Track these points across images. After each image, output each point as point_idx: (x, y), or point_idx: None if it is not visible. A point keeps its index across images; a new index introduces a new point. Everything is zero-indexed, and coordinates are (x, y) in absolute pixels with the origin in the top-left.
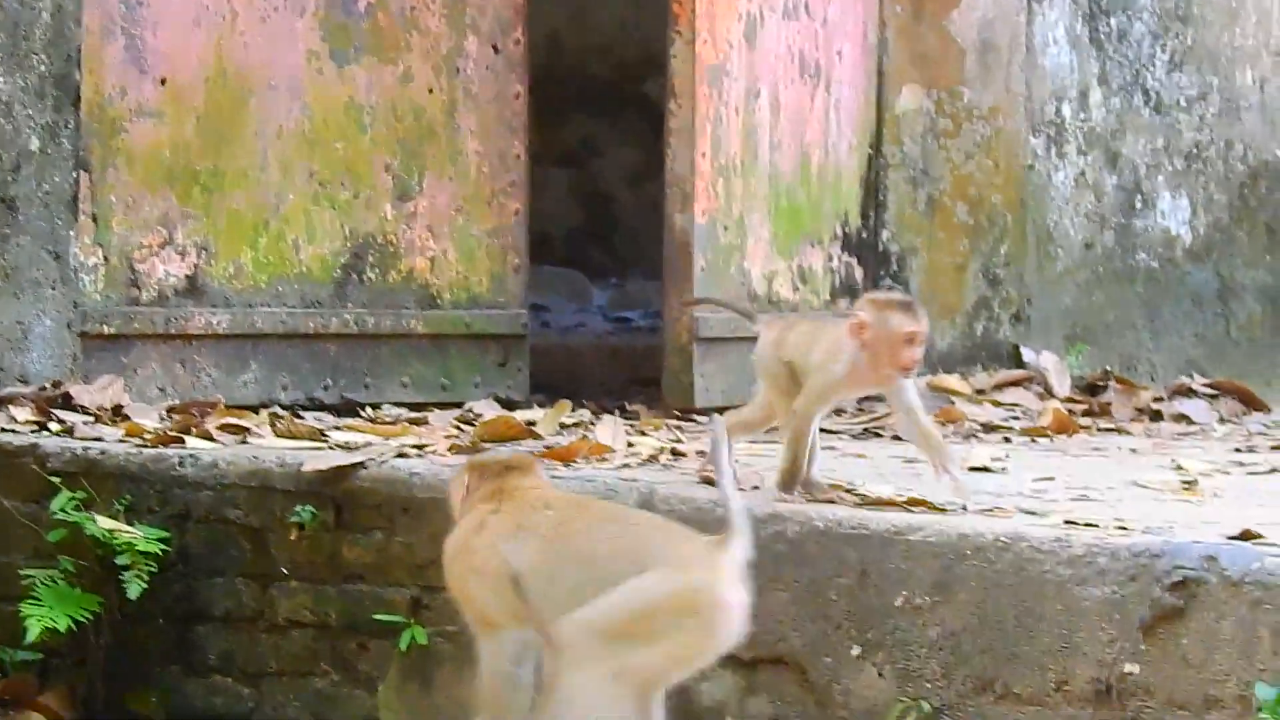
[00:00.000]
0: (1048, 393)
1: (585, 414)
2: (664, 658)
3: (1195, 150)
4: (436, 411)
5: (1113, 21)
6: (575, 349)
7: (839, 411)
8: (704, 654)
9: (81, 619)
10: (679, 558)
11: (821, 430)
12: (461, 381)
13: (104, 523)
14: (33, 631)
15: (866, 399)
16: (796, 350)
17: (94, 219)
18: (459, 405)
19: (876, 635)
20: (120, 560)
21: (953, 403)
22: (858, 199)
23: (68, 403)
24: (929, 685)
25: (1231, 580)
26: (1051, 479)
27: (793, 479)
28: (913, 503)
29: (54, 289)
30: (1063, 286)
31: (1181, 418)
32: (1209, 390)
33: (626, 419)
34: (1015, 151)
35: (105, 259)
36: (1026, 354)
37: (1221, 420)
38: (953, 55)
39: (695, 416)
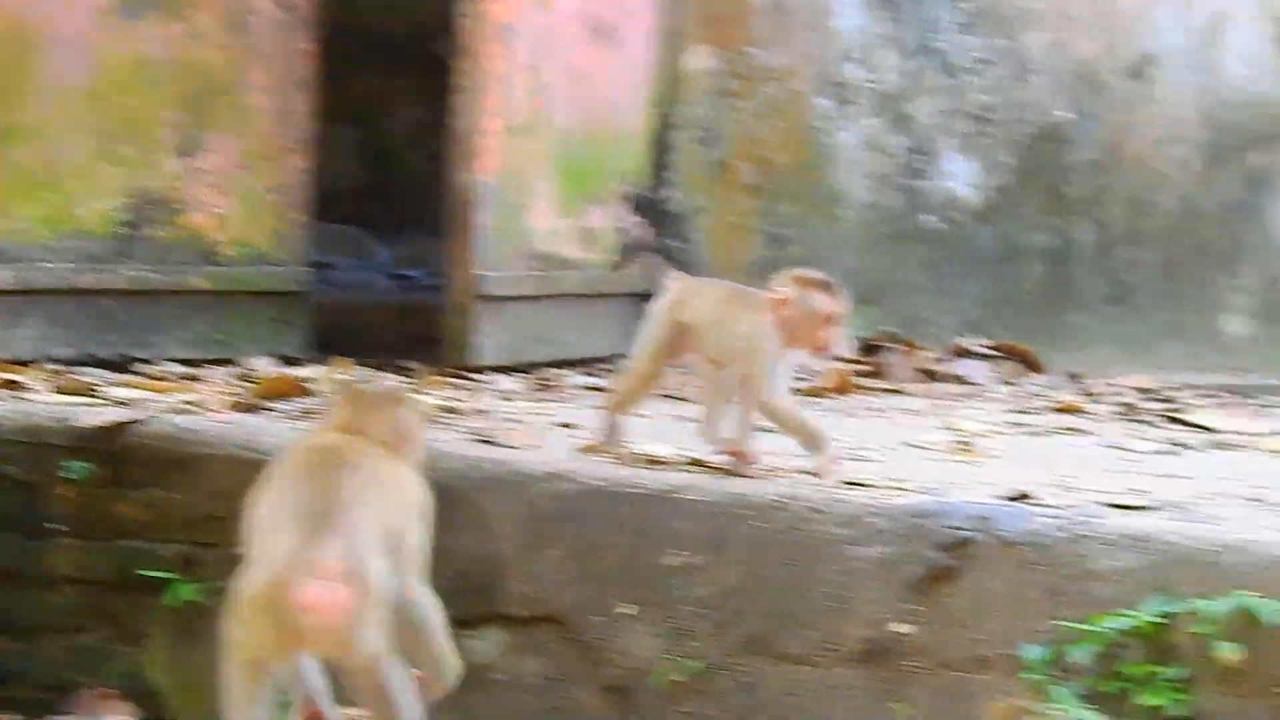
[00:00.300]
0: None
1: (365, 371)
2: (253, 649)
3: (983, 112)
4: (216, 368)
5: None
6: (357, 307)
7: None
8: (286, 651)
9: None
10: (268, 554)
11: (599, 389)
12: (242, 338)
13: None
14: None
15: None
16: (703, 319)
17: None
18: (238, 362)
19: (648, 594)
20: None
21: None
22: (644, 159)
23: None
24: (699, 644)
25: (1004, 541)
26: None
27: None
28: (690, 463)
29: None
30: (848, 247)
31: (960, 379)
32: (990, 351)
33: (405, 377)
34: (804, 113)
35: None
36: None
37: (1000, 381)
38: (743, 16)
39: (475, 375)
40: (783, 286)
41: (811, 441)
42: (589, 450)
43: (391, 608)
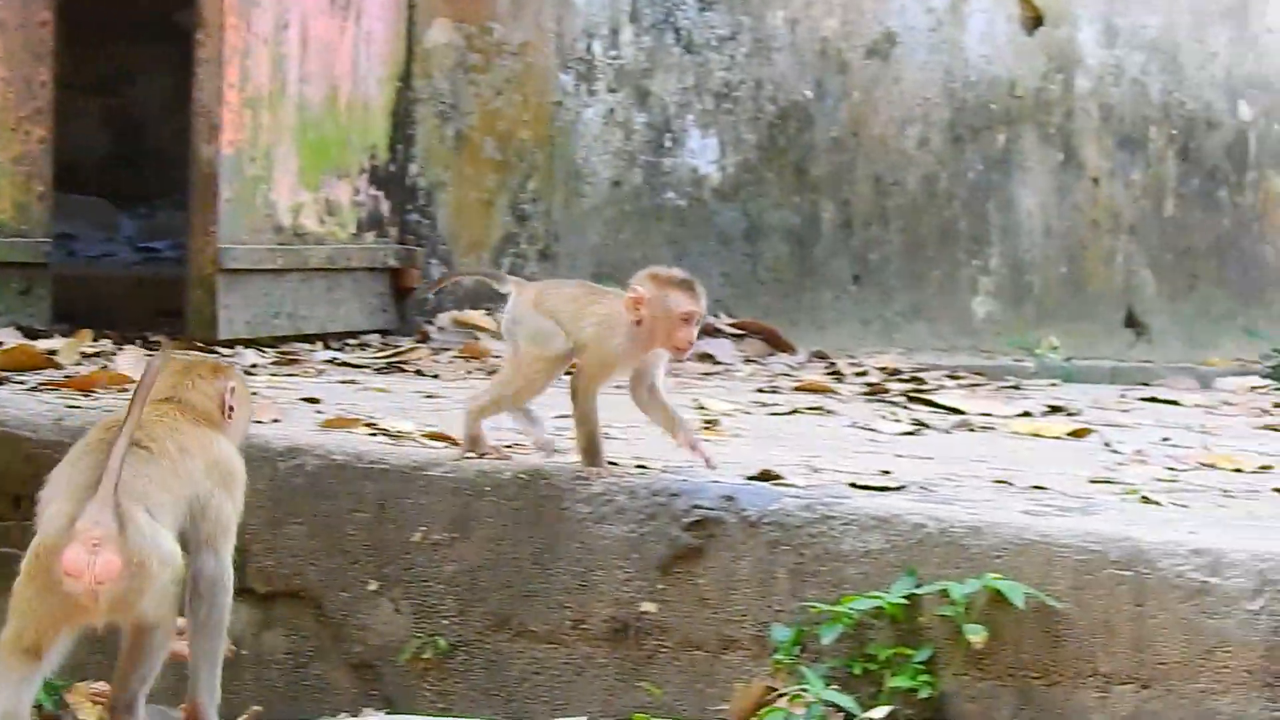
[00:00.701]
0: None
1: (108, 344)
2: (33, 623)
3: (725, 90)
4: None
5: None
6: (101, 278)
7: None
8: (64, 623)
9: None
10: (41, 525)
11: (343, 364)
12: None
13: None
14: None
15: None
16: (561, 311)
17: None
18: None
19: (394, 570)
20: None
21: (477, 338)
22: (386, 132)
23: None
24: (445, 621)
25: (749, 520)
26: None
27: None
28: (433, 437)
29: None
30: (590, 224)
31: (706, 357)
32: (735, 330)
33: (150, 350)
34: (545, 88)
35: None
36: None
37: (746, 360)
38: None
39: (219, 348)
40: (639, 285)
41: (587, 449)
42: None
43: (179, 577)
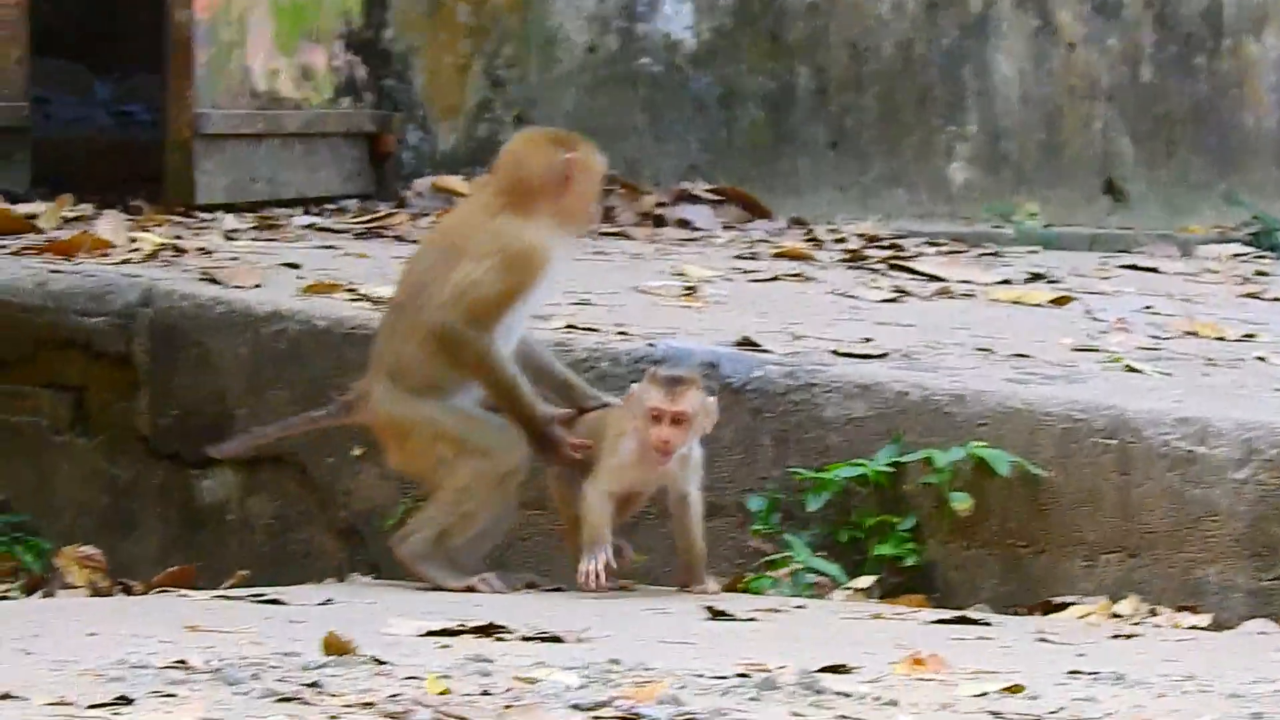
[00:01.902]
0: None
1: (88, 209)
2: None
3: None
4: None
5: None
6: (77, 143)
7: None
8: None
9: None
10: None
11: (322, 229)
12: None
13: None
14: None
15: None
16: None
17: None
18: None
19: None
20: None
21: (452, 204)
22: None
23: None
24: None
25: (732, 388)
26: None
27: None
28: None
29: None
30: (566, 89)
31: (684, 223)
32: (712, 196)
33: (129, 215)
34: None
35: None
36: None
37: (725, 227)
38: None
39: (197, 213)
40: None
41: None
42: None
43: None
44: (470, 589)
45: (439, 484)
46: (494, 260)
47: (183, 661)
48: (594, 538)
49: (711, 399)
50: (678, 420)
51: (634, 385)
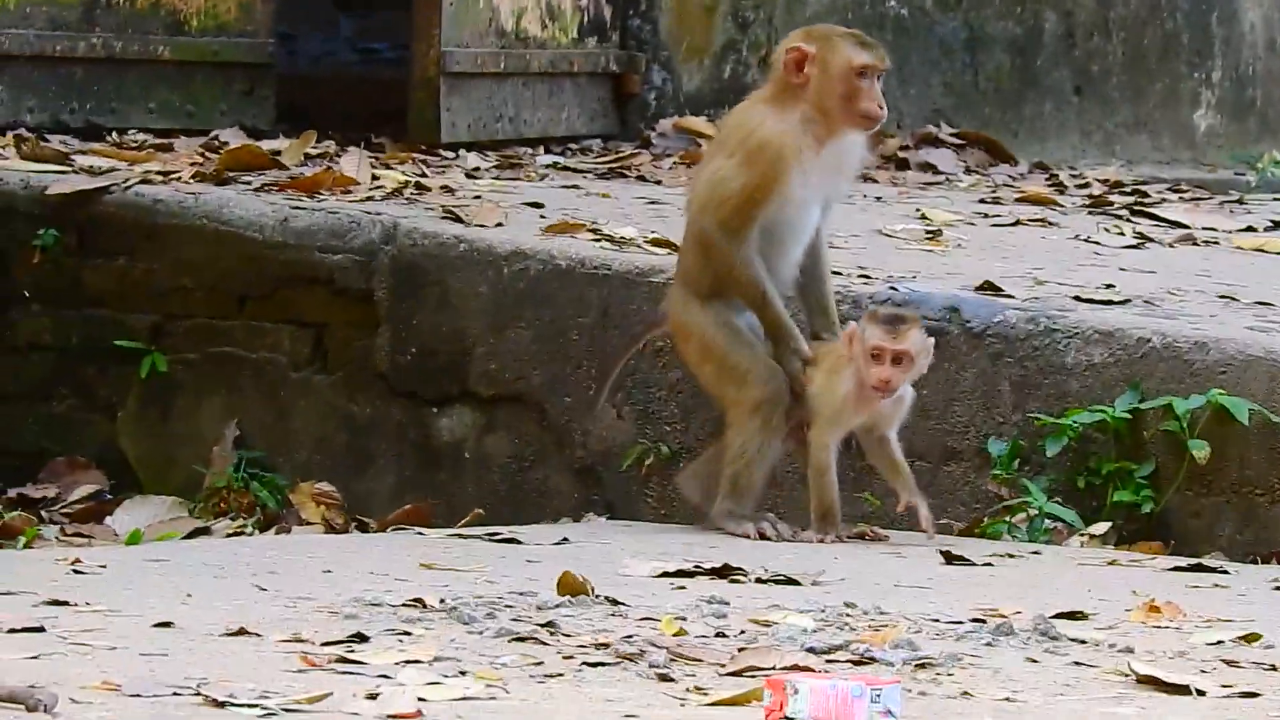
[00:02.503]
0: None
1: (331, 145)
2: None
3: None
4: (182, 138)
5: None
6: (322, 79)
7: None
8: None
9: None
10: None
11: (565, 169)
12: (208, 109)
13: None
14: None
15: None
16: None
17: None
18: (205, 133)
19: (617, 377)
20: None
21: (699, 145)
22: None
23: None
24: (668, 429)
25: (973, 332)
26: None
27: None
28: (655, 243)
29: None
30: None
31: (928, 166)
32: (955, 140)
33: (372, 152)
34: None
35: None
36: None
37: (968, 170)
38: None
39: (440, 151)
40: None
41: (821, 511)
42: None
43: None
44: (761, 535)
45: (715, 404)
46: (738, 155)
47: (418, 600)
48: (825, 512)
49: (930, 339)
50: (898, 359)
51: (851, 323)
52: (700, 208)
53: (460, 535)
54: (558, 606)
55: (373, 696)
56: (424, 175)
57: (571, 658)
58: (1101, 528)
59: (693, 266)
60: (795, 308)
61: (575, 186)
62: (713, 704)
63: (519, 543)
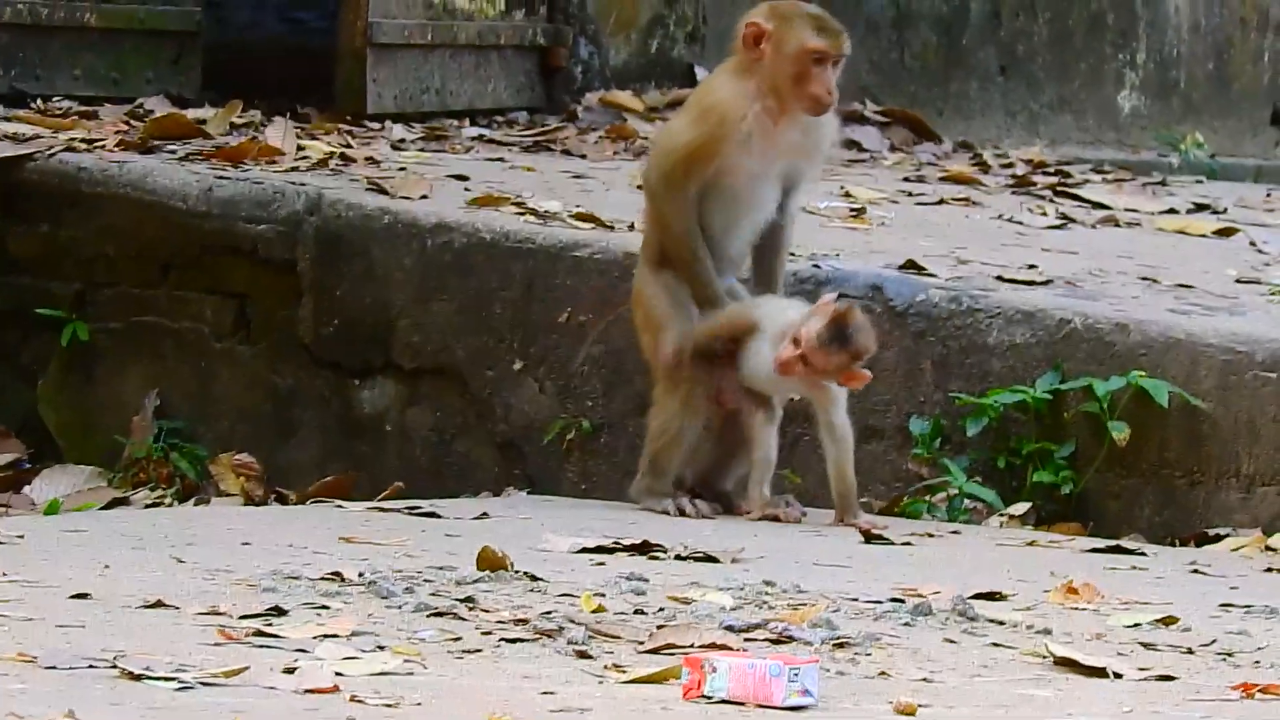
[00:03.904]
0: None
1: (257, 115)
2: None
3: None
4: (108, 106)
5: None
6: (249, 48)
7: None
8: None
9: None
10: None
11: (490, 142)
12: (134, 77)
13: None
14: None
15: None
16: None
17: None
18: (131, 101)
19: (539, 350)
20: None
21: (624, 119)
22: None
23: None
24: (590, 403)
25: (896, 310)
26: None
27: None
28: (580, 218)
29: None
30: (739, 6)
31: (853, 144)
32: (881, 117)
33: (298, 122)
34: None
35: None
36: (700, 72)
37: (892, 148)
38: None
39: (366, 122)
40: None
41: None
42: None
43: None
44: (680, 512)
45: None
46: (689, 114)
47: (337, 574)
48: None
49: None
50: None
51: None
52: (649, 161)
53: (380, 509)
54: (476, 582)
55: (290, 670)
56: (349, 146)
57: (490, 633)
58: (1021, 508)
59: (647, 232)
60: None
61: (501, 160)
62: (631, 681)
63: (439, 517)
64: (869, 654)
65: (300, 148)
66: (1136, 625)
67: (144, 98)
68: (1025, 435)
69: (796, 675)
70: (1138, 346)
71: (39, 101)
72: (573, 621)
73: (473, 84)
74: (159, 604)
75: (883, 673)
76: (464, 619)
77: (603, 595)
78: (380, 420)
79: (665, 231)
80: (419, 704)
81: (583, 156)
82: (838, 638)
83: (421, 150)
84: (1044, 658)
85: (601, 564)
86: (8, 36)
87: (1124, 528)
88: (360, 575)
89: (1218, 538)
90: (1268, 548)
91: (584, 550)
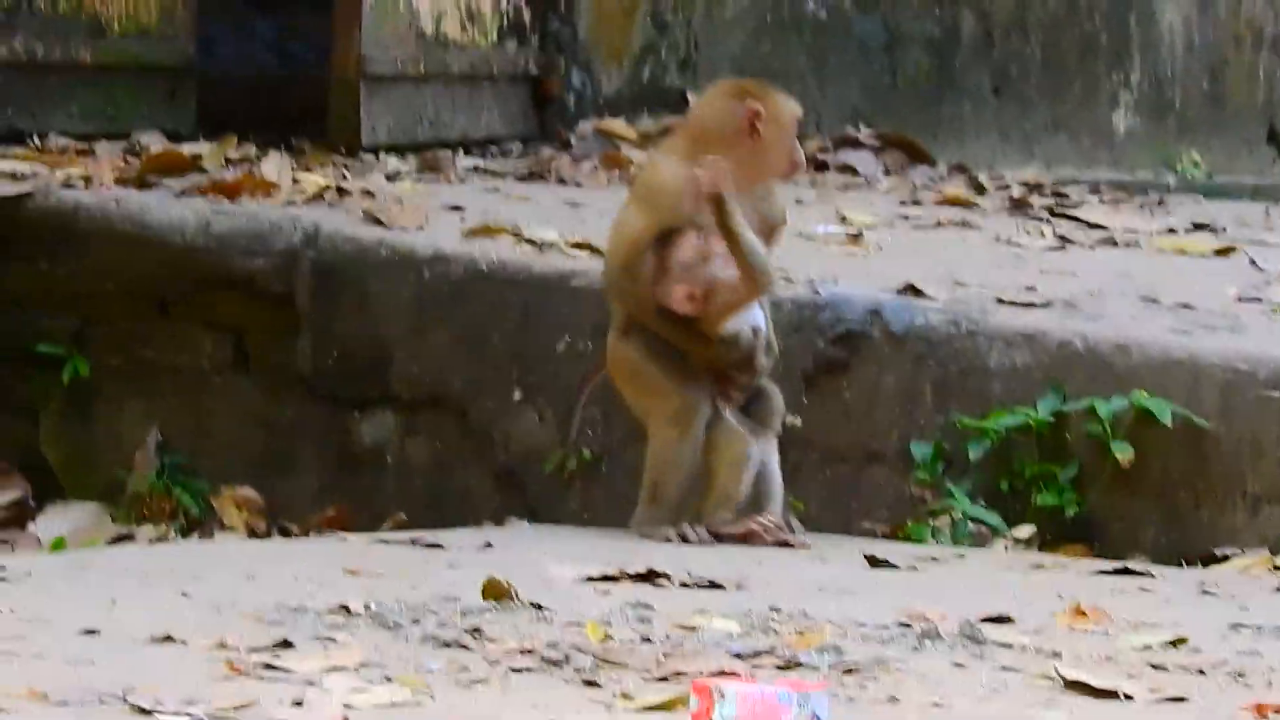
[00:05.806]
0: None
1: (252, 149)
2: None
3: None
4: (104, 143)
5: None
6: (240, 82)
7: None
8: None
9: None
10: None
11: (485, 172)
12: (129, 113)
13: None
14: None
15: None
16: None
17: None
18: (126, 137)
19: (538, 380)
20: None
21: (617, 147)
22: None
23: None
24: (590, 433)
25: (895, 335)
26: None
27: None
28: (576, 246)
29: None
30: (731, 34)
31: (847, 168)
32: (874, 142)
33: (292, 155)
34: None
35: None
36: (693, 100)
37: (887, 172)
38: None
39: (361, 154)
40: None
41: None
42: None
43: None
44: (683, 539)
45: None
46: (637, 200)
47: (343, 606)
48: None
49: None
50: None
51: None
52: (606, 260)
53: (383, 540)
54: (482, 612)
55: (299, 703)
56: (344, 178)
57: (497, 663)
58: (1025, 531)
59: (613, 312)
60: None
61: (496, 190)
62: (640, 709)
63: (442, 547)
64: (877, 679)
65: (295, 181)
66: (1147, 647)
67: (140, 134)
68: (1028, 457)
69: (806, 701)
70: (1139, 367)
71: (35, 139)
72: (580, 650)
73: (466, 115)
74: (167, 638)
75: (892, 698)
76: (471, 649)
77: (609, 624)
78: (380, 452)
79: (646, 317)
80: None
81: (578, 185)
82: (845, 663)
83: (416, 181)
84: (1054, 680)
85: (606, 592)
86: (3, 76)
87: (1129, 549)
88: (366, 607)
89: (1224, 558)
90: (1276, 567)
91: (588, 579)
